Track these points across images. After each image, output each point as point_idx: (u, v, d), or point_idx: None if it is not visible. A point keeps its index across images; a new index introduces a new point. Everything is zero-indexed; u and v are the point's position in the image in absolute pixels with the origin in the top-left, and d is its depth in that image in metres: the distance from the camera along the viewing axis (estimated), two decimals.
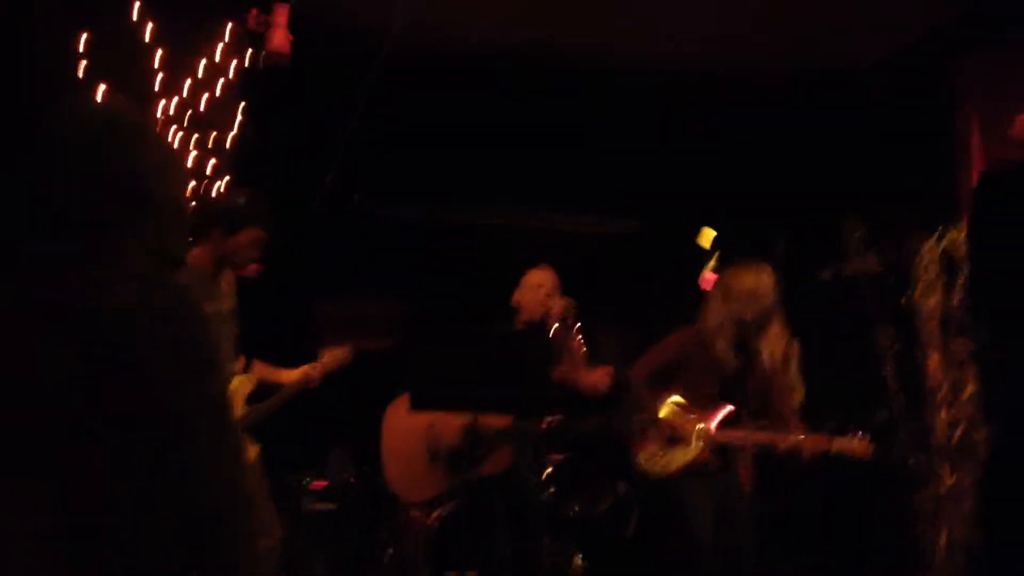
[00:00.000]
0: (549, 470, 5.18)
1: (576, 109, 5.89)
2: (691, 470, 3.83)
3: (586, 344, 4.35)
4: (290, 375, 3.79)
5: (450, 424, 3.94)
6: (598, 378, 3.98)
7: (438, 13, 5.10)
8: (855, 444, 3.71)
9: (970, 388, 4.01)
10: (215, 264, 3.52)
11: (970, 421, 3.98)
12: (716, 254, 6.04)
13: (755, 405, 3.93)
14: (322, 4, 4.77)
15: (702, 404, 3.93)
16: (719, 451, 3.87)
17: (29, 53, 3.97)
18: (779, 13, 5.08)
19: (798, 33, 5.31)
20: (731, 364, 3.89)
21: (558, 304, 4.20)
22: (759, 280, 3.91)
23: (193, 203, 4.27)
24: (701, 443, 3.85)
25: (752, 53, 5.57)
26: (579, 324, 4.15)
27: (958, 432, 3.98)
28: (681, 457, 3.87)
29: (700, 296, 4.91)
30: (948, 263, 4.14)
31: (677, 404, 3.99)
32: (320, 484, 5.31)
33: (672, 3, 5.12)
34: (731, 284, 3.97)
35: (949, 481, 3.94)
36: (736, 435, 3.88)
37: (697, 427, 3.88)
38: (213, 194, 4.60)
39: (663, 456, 3.90)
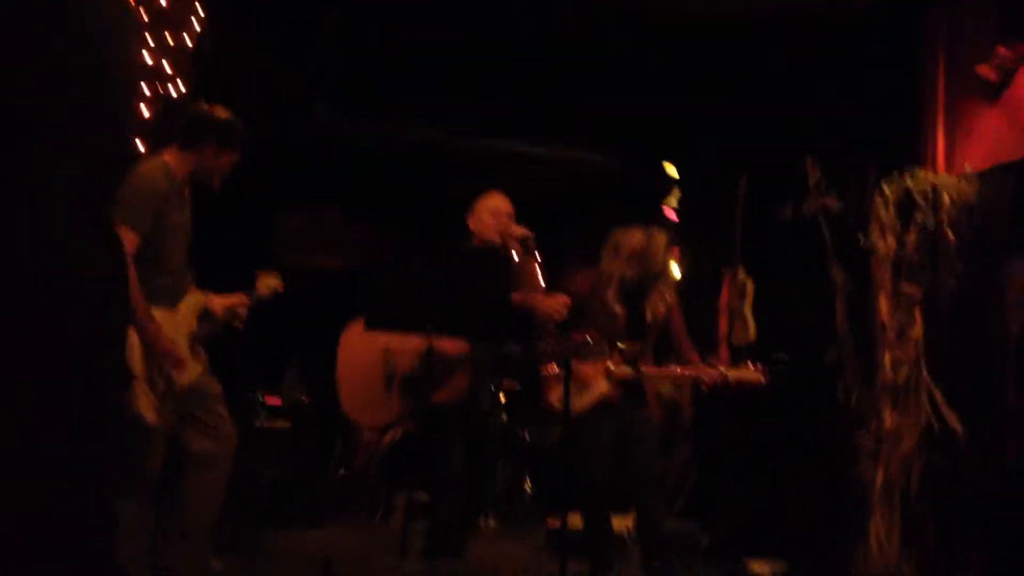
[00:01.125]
0: (502, 397, 5.24)
1: (552, 39, 5.81)
2: (598, 406, 3.98)
3: (543, 272, 4.38)
4: (218, 304, 3.71)
5: (406, 349, 3.95)
6: (555, 304, 4.01)
7: None
8: (749, 373, 3.86)
9: (916, 330, 4.10)
10: (192, 174, 3.52)
11: (914, 363, 4.08)
12: (676, 189, 6.08)
13: (652, 340, 4.11)
14: None
15: (605, 342, 4.06)
16: (622, 386, 4.00)
17: None
18: None
19: None
20: (618, 313, 4.06)
21: (517, 229, 4.19)
22: (647, 243, 4.09)
23: (159, 109, 4.18)
24: (609, 382, 3.99)
25: None
26: (537, 253, 4.16)
27: (902, 373, 4.08)
28: (588, 397, 4.00)
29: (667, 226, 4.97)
30: (905, 207, 4.19)
31: (585, 342, 4.11)
32: (274, 400, 5.31)
33: None
34: (621, 242, 4.14)
35: (890, 421, 4.05)
36: (639, 371, 4.01)
37: (604, 368, 4.00)
38: (173, 101, 4.50)
39: (574, 395, 3.98)
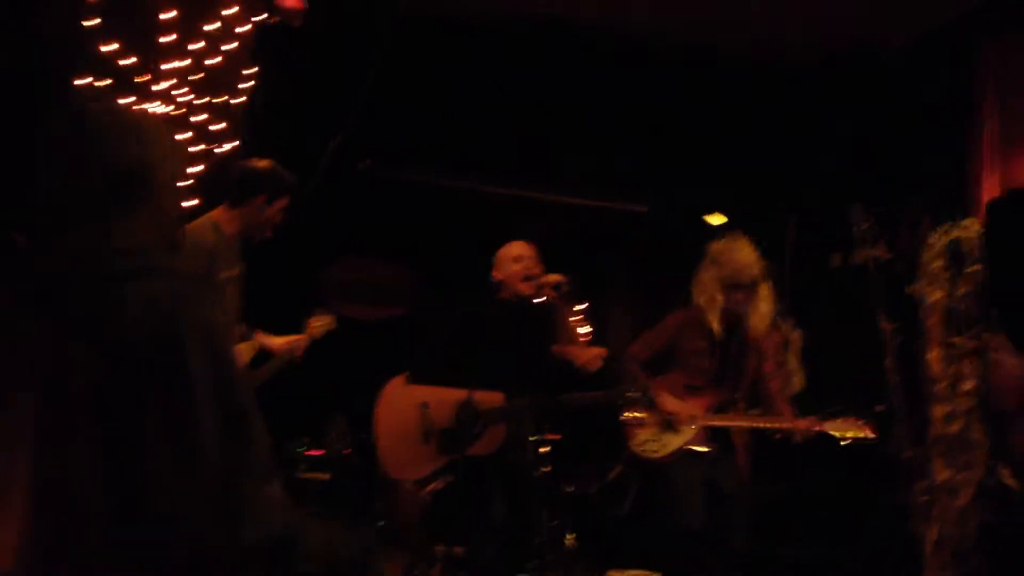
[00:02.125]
0: (545, 448, 5.18)
1: (591, 85, 5.85)
2: (685, 454, 3.87)
3: (585, 321, 4.35)
4: (278, 343, 3.80)
5: (444, 403, 3.93)
6: (591, 356, 3.98)
7: None
8: (848, 425, 3.74)
9: (969, 383, 3.98)
10: (243, 229, 3.60)
11: (967, 416, 3.95)
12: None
13: (746, 388, 3.98)
14: None
15: (697, 387, 3.97)
16: (712, 435, 3.90)
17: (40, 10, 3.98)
18: None
19: (816, 17, 5.24)
20: (721, 338, 3.96)
21: (550, 278, 4.15)
22: (742, 248, 4.01)
23: (208, 166, 4.28)
24: (694, 427, 3.88)
25: (768, 36, 5.51)
26: (574, 300, 4.13)
27: (955, 427, 3.95)
28: (675, 441, 3.90)
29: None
30: (955, 255, 4.09)
31: (673, 388, 4.03)
32: (316, 452, 5.32)
33: None
34: (716, 251, 4.07)
35: (942, 475, 3.92)
36: (728, 419, 3.91)
37: (691, 412, 3.91)
38: (221, 157, 4.61)
39: (657, 441, 3.93)
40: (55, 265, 1.46)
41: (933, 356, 4.05)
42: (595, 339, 4.45)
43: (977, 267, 3.92)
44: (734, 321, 4.02)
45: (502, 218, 5.70)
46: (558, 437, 5.47)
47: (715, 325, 3.99)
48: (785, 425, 3.83)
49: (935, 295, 4.12)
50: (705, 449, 3.94)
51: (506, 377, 3.77)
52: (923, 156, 4.97)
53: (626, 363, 4.08)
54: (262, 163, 3.66)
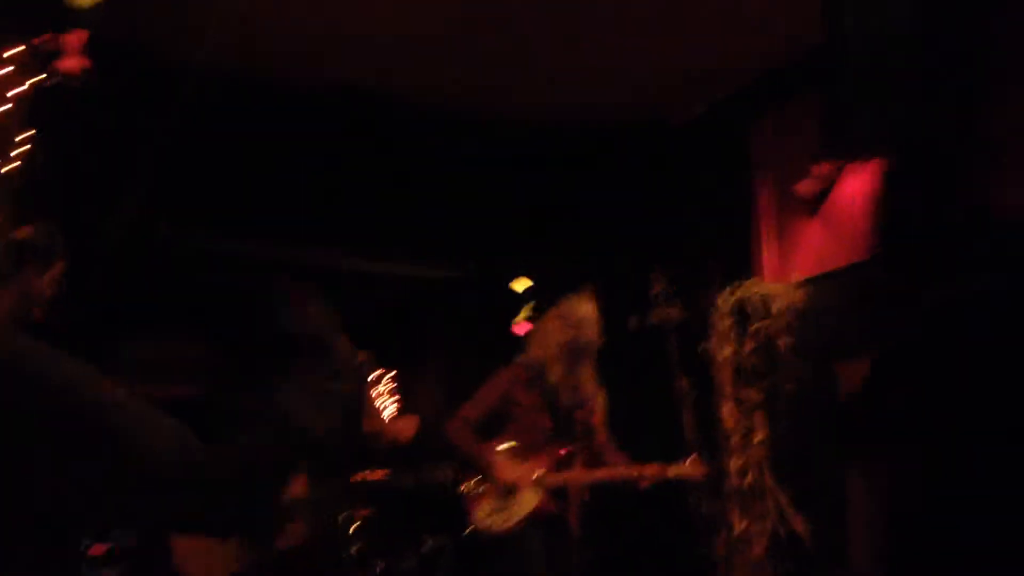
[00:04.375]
0: (356, 524, 5.02)
1: (395, 152, 5.85)
2: (532, 519, 3.79)
3: (395, 392, 4.28)
4: None
5: None
6: (402, 426, 3.89)
7: (258, 44, 5.01)
8: (689, 467, 3.82)
9: (760, 434, 4.19)
10: (12, 308, 3.26)
11: (759, 467, 4.15)
12: (530, 303, 6.11)
13: (582, 440, 3.98)
14: (125, 31, 4.55)
15: (534, 446, 3.91)
16: (557, 495, 3.86)
17: None
18: (583, 65, 5.25)
19: (608, 87, 5.49)
20: (563, 394, 3.93)
21: (361, 352, 4.06)
22: (586, 309, 4.02)
23: None
24: (539, 490, 3.82)
25: (567, 105, 5.72)
26: (380, 373, 4.06)
27: (749, 478, 4.14)
28: (522, 508, 3.81)
29: (516, 342, 4.94)
30: (740, 314, 4.34)
31: (508, 451, 3.96)
32: (102, 548, 4.90)
33: (495, 52, 5.19)
34: (568, 310, 4.04)
35: (740, 526, 4.08)
36: (574, 476, 3.88)
37: (533, 474, 3.84)
38: None
39: (502, 511, 3.82)
40: None
41: (724, 410, 4.24)
42: (406, 409, 4.37)
43: (763, 323, 4.17)
44: (568, 380, 4.02)
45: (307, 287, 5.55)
46: (367, 512, 5.33)
47: (559, 382, 3.97)
48: (631, 474, 3.85)
49: (725, 352, 4.34)
50: (550, 510, 3.88)
51: (320, 460, 3.62)
52: (710, 221, 5.26)
53: (452, 431, 3.97)
54: (23, 230, 3.36)
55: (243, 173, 5.48)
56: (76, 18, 4.22)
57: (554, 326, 4.09)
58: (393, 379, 4.23)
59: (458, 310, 6.41)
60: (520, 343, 4.70)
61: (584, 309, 4.06)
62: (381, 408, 4.05)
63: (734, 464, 4.25)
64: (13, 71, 4.21)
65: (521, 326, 6.40)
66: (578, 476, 3.93)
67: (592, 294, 4.15)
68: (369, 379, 4.03)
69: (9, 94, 4.23)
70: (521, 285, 6.06)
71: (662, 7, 4.68)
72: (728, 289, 4.42)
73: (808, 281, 4.43)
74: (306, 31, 5.01)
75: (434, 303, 6.49)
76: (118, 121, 4.82)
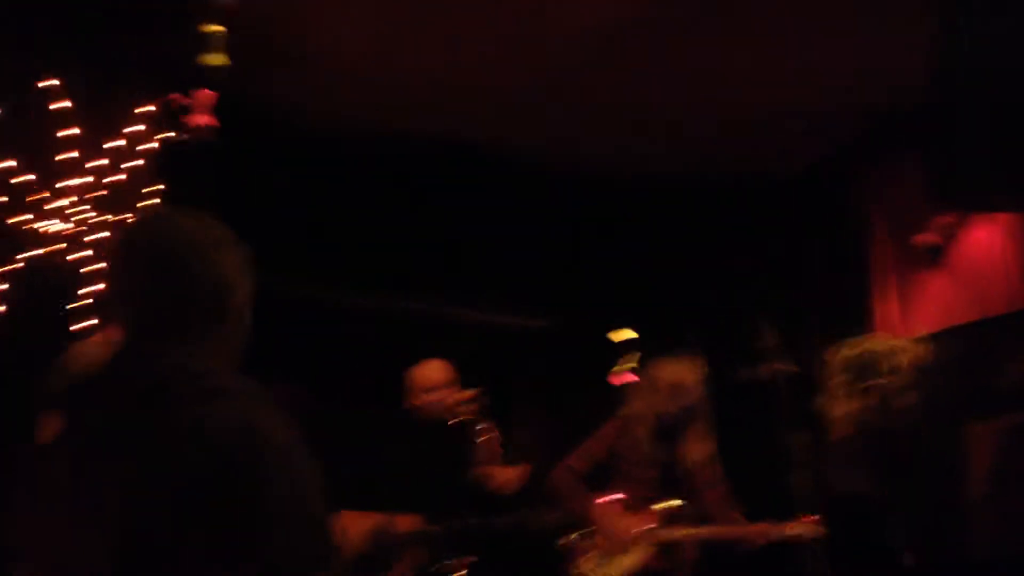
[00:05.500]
0: (462, 573, 5.01)
1: (491, 203, 5.93)
2: (639, 575, 3.71)
3: (500, 441, 4.27)
4: None
5: (357, 527, 3.77)
6: (508, 476, 3.88)
7: (358, 101, 5.14)
8: (804, 527, 3.69)
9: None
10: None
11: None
12: (633, 354, 6.06)
13: (691, 496, 3.88)
14: (247, 90, 4.75)
15: (640, 500, 3.85)
16: (665, 551, 3.77)
17: None
18: (687, 118, 5.26)
19: (717, 140, 5.48)
20: (653, 454, 3.86)
21: (464, 395, 4.06)
22: (684, 374, 3.94)
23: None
24: (646, 545, 3.74)
25: (674, 158, 5.72)
26: (488, 420, 4.05)
27: None
28: (625, 562, 3.74)
29: (617, 394, 4.91)
30: (858, 370, 4.21)
31: (615, 504, 3.90)
32: None
33: (600, 111, 5.23)
34: (656, 375, 3.99)
35: None
36: (682, 532, 3.78)
37: (638, 528, 3.77)
38: None
39: (608, 564, 3.76)
40: (126, 385, 1.39)
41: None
42: (507, 458, 4.36)
43: (882, 379, 4.03)
44: (668, 435, 3.95)
45: (401, 335, 5.63)
46: (473, 559, 5.32)
47: (645, 443, 3.91)
48: (744, 533, 3.73)
49: (840, 408, 4.21)
50: (657, 567, 3.79)
51: (424, 501, 3.66)
52: (822, 274, 5.17)
53: (557, 480, 3.95)
54: None
55: (342, 224, 5.62)
56: (206, 77, 4.43)
57: (641, 389, 4.05)
58: (496, 426, 4.22)
59: (559, 360, 6.40)
60: (622, 395, 4.66)
61: (685, 373, 4.00)
62: (495, 452, 4.05)
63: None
64: (144, 128, 4.43)
65: (621, 377, 6.35)
66: (687, 533, 3.83)
67: (695, 356, 4.09)
68: (475, 424, 4.04)
69: (140, 148, 4.45)
70: (621, 336, 6.03)
71: (768, 61, 4.67)
72: (844, 344, 4.30)
73: (933, 336, 4.29)
74: (407, 81, 5.14)
75: (534, 353, 6.50)
76: (243, 177, 5.00)
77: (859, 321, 4.78)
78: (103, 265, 4.35)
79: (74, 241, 4.14)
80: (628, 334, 6.09)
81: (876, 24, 4.26)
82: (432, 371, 4.08)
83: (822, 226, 5.28)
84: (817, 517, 3.69)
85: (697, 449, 3.91)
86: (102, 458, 1.34)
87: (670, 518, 3.90)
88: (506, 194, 5.85)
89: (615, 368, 6.30)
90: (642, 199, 6.08)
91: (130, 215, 4.42)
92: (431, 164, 5.64)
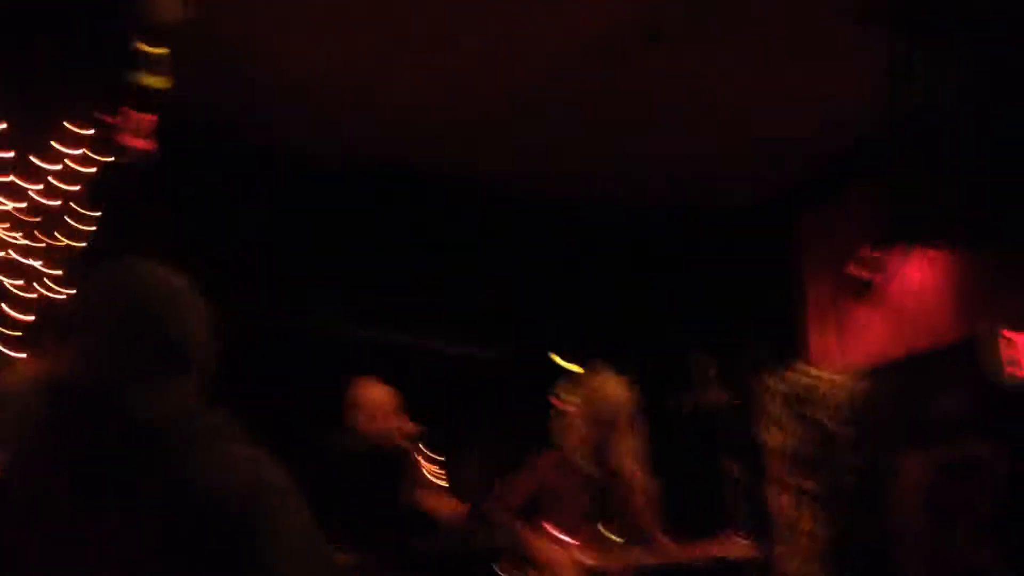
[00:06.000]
0: None
1: (441, 231, 5.94)
2: None
3: (438, 470, 4.26)
4: None
5: None
6: (452, 507, 3.86)
7: (307, 128, 5.13)
8: (736, 547, 3.71)
9: (809, 523, 4.13)
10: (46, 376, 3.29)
11: (808, 555, 4.08)
12: (569, 382, 6.10)
13: (624, 521, 3.90)
14: (188, 115, 4.68)
15: (572, 529, 3.85)
16: None
17: None
18: (632, 151, 5.33)
19: (660, 171, 5.56)
20: (591, 474, 3.87)
21: (408, 425, 4.02)
22: (612, 386, 3.96)
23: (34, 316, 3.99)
24: (582, 572, 3.75)
25: (617, 188, 5.79)
26: (429, 449, 4.02)
27: (794, 566, 4.07)
28: None
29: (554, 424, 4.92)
30: (794, 401, 4.32)
31: (549, 532, 3.90)
32: None
33: (557, 133, 5.28)
34: (591, 385, 4.00)
35: None
36: (616, 556, 3.79)
37: (573, 556, 3.78)
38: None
39: None
40: (98, 431, 1.37)
41: (776, 496, 4.19)
42: (449, 487, 4.34)
43: (818, 410, 4.14)
44: (602, 457, 3.96)
45: (347, 361, 5.58)
46: None
47: (583, 462, 3.91)
48: (677, 554, 3.74)
49: (776, 438, 4.31)
50: None
51: (358, 529, 3.59)
52: (756, 306, 5.26)
53: (493, 512, 3.94)
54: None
55: (299, 252, 5.57)
56: (145, 100, 4.34)
57: (580, 403, 4.06)
58: (436, 457, 4.21)
59: (501, 390, 6.40)
60: (555, 422, 4.68)
61: (606, 383, 4.03)
62: (425, 483, 4.01)
63: (782, 551, 4.19)
64: (83, 152, 4.32)
65: (561, 402, 6.37)
66: (621, 557, 3.85)
67: (616, 371, 4.11)
68: (424, 451, 4.00)
69: (76, 171, 4.34)
70: (561, 363, 6.05)
71: (711, 98, 4.76)
72: (779, 374, 4.41)
73: (869, 371, 4.40)
74: (365, 113, 5.13)
75: (478, 383, 6.50)
76: (184, 201, 4.93)
77: (792, 352, 4.88)
78: (36, 294, 4.23)
79: (6, 266, 4.01)
80: (567, 363, 6.12)
81: (818, 61, 4.37)
82: (375, 394, 4.02)
83: (762, 258, 5.39)
84: (747, 536, 3.74)
85: (627, 465, 3.95)
86: (80, 508, 1.31)
87: (604, 544, 3.91)
88: (455, 222, 5.87)
89: (554, 394, 6.32)
90: (584, 229, 6.14)
91: (64, 240, 4.31)
92: (387, 191, 5.63)
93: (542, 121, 5.17)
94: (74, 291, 4.35)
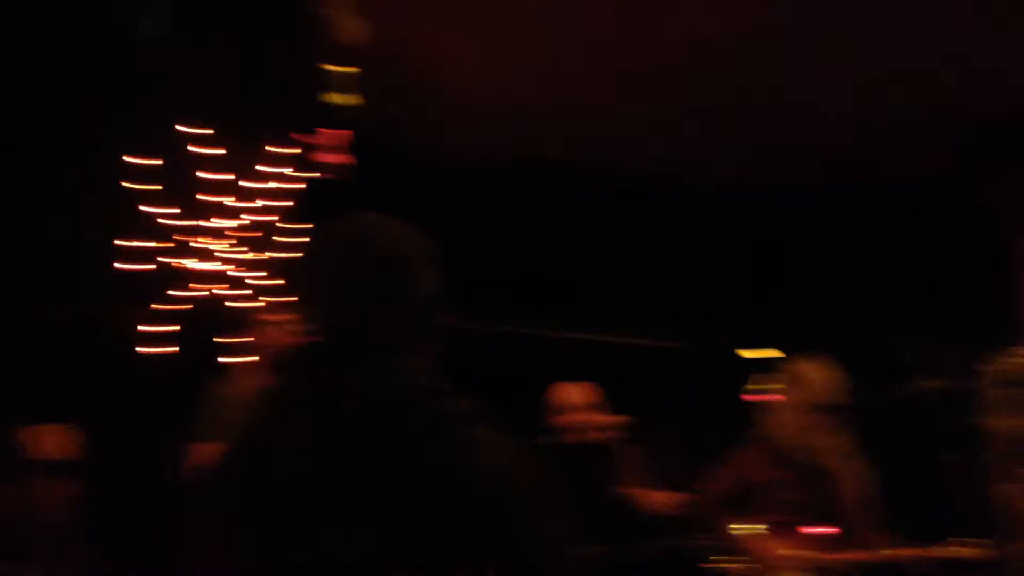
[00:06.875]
0: None
1: (635, 225, 5.94)
2: None
3: (645, 463, 4.22)
4: None
5: None
6: (664, 499, 3.82)
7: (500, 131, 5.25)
8: (968, 549, 3.48)
9: None
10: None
11: None
12: (767, 373, 5.94)
13: (841, 518, 3.74)
14: (384, 127, 4.89)
15: (787, 524, 3.73)
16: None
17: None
18: (829, 128, 5.17)
19: (850, 147, 5.37)
20: (800, 465, 3.73)
21: (611, 419, 4.04)
22: (822, 374, 3.79)
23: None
24: (796, 571, 3.62)
25: (803, 167, 5.62)
26: (633, 442, 4.00)
27: None
28: None
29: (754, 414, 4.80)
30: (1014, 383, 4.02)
31: (761, 528, 3.79)
32: None
33: (727, 125, 5.18)
34: (798, 372, 3.84)
35: None
36: (833, 556, 3.64)
37: (787, 553, 3.65)
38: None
39: None
40: (356, 402, 1.28)
41: (1008, 489, 3.91)
42: (653, 481, 4.30)
43: None
44: (810, 448, 3.81)
45: (540, 358, 5.65)
46: None
47: (792, 452, 3.77)
48: (899, 555, 3.55)
49: (1004, 425, 4.03)
50: None
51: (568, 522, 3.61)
52: (961, 283, 4.97)
53: (700, 505, 3.87)
54: None
55: (476, 252, 5.70)
56: (339, 117, 4.57)
57: (785, 391, 3.91)
58: (640, 449, 4.18)
59: (694, 381, 6.33)
60: (757, 416, 4.56)
61: (814, 370, 3.85)
62: (643, 476, 4.00)
63: (1017, 548, 3.90)
64: (290, 171, 4.59)
65: (755, 396, 6.21)
66: (839, 557, 3.68)
67: (824, 358, 3.94)
68: (619, 446, 4.00)
69: (283, 189, 4.61)
70: (755, 354, 5.90)
71: (905, 65, 4.55)
72: (1001, 355, 4.12)
73: None
74: (532, 106, 5.20)
75: (669, 373, 6.44)
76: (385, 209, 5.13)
77: (1014, 332, 4.56)
78: (250, 304, 4.52)
79: (226, 280, 4.31)
80: (763, 353, 5.96)
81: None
82: (573, 392, 4.08)
83: (967, 234, 5.07)
84: (983, 539, 3.49)
85: (842, 466, 3.76)
86: (328, 486, 1.26)
87: (820, 542, 3.76)
88: (637, 214, 5.85)
89: (750, 387, 6.18)
90: (773, 210, 5.98)
91: (276, 253, 4.58)
92: (562, 188, 5.69)
93: (713, 110, 5.09)
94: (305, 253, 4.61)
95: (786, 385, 3.88)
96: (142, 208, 4.24)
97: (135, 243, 4.22)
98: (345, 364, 1.31)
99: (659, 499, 3.85)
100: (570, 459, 3.94)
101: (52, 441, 2.82)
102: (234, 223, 4.41)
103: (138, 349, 4.16)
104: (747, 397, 6.24)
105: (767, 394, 5.84)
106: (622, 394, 4.46)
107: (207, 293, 4.27)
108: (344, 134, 4.55)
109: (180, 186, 4.32)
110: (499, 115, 5.25)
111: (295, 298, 4.47)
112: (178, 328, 4.25)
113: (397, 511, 1.23)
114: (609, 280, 5.97)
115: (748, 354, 6.22)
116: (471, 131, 5.28)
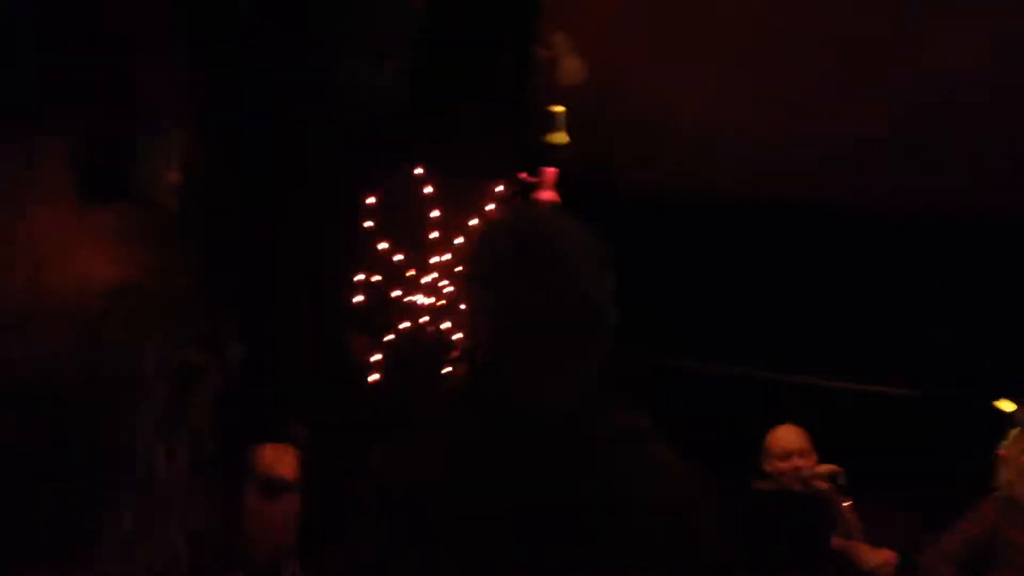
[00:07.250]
0: None
1: (843, 264, 5.68)
2: None
3: (859, 518, 4.00)
4: None
5: None
6: (881, 560, 3.58)
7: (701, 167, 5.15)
8: None
9: None
10: None
11: None
12: (1017, 429, 5.46)
13: None
14: (590, 166, 4.96)
15: None
16: None
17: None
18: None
19: None
20: None
21: (823, 468, 3.85)
22: None
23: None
24: None
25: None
26: (847, 495, 3.79)
27: None
28: None
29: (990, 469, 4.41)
30: None
31: None
32: None
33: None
34: None
35: None
36: None
37: None
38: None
39: None
40: (521, 418, 1.24)
41: None
42: (869, 538, 4.05)
43: None
44: None
45: (763, 402, 5.49)
46: None
47: None
48: None
49: None
50: None
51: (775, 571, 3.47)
52: None
53: (931, 566, 3.60)
54: None
55: (685, 290, 5.63)
56: (550, 155, 4.67)
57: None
58: (854, 502, 3.95)
59: (927, 430, 5.91)
60: (995, 469, 4.18)
61: None
62: (859, 531, 3.78)
63: None
64: (498, 207, 4.73)
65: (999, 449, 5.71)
66: None
67: None
68: (845, 494, 3.79)
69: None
70: (1007, 405, 5.43)
71: None
72: None
73: None
74: (743, 142, 5.09)
75: (897, 422, 6.07)
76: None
77: None
78: (462, 336, 4.67)
79: (439, 312, 4.48)
80: (1007, 406, 5.49)
81: None
82: (787, 437, 3.93)
83: None
84: None
85: None
86: (491, 506, 1.23)
87: None
88: (854, 253, 5.59)
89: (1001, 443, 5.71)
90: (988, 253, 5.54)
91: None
92: (776, 228, 5.53)
93: (920, 148, 4.87)
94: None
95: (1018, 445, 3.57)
96: (375, 245, 4.48)
97: (365, 277, 4.47)
98: (515, 372, 1.26)
99: (878, 557, 3.62)
100: (787, 507, 3.79)
101: (287, 461, 3.03)
102: (449, 258, 4.59)
103: (368, 378, 4.38)
104: (1002, 452, 5.76)
105: (1006, 447, 5.37)
106: (841, 442, 4.26)
107: (432, 328, 4.46)
108: (552, 171, 4.65)
109: (409, 224, 4.55)
110: (740, 151, 5.20)
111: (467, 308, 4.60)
112: (400, 358, 4.46)
113: (551, 534, 1.22)
114: (831, 323, 5.73)
115: (1003, 404, 5.74)
116: (708, 168, 5.27)
